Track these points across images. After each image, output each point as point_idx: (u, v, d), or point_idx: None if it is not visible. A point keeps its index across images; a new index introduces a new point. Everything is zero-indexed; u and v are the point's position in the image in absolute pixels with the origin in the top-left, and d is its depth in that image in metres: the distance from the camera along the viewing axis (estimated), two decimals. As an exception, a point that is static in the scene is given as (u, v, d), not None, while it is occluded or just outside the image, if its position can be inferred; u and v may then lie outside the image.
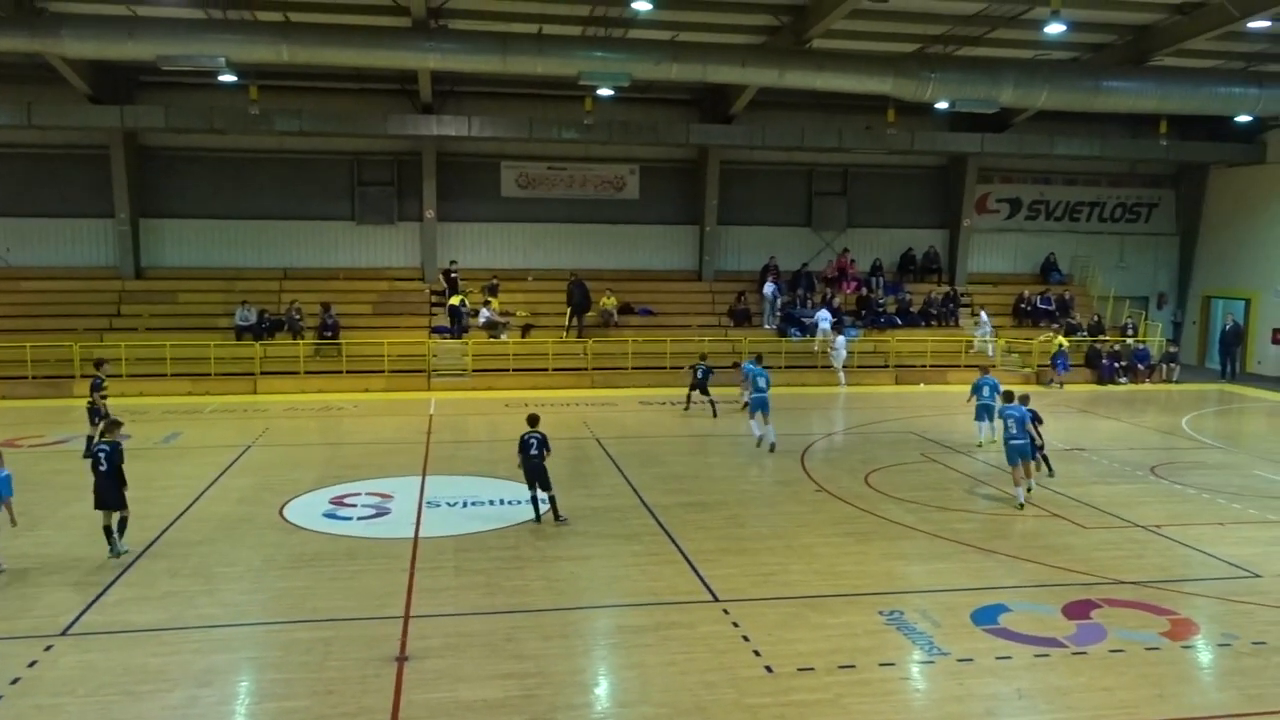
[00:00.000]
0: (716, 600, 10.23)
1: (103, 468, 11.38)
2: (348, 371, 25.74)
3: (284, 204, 29.34)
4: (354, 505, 13.94)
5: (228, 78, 23.87)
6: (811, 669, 8.52)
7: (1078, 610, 9.97)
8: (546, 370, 26.67)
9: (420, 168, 29.24)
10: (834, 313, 29.26)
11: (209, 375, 24.90)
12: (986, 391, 18.19)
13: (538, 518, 12.93)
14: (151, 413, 21.54)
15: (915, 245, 32.74)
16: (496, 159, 30.19)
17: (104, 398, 17.43)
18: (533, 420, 13.14)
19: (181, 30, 20.09)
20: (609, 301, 29.10)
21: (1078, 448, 18.79)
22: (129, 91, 27.16)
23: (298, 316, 26.80)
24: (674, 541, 12.31)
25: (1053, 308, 31.56)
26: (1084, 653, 8.93)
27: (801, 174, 32.10)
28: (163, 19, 20.68)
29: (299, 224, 29.46)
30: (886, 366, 28.58)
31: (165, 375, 24.35)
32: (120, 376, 22.80)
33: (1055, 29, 20.06)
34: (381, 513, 13.58)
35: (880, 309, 30.66)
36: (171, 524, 12.84)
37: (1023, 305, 31.72)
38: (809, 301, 30.59)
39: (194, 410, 22.02)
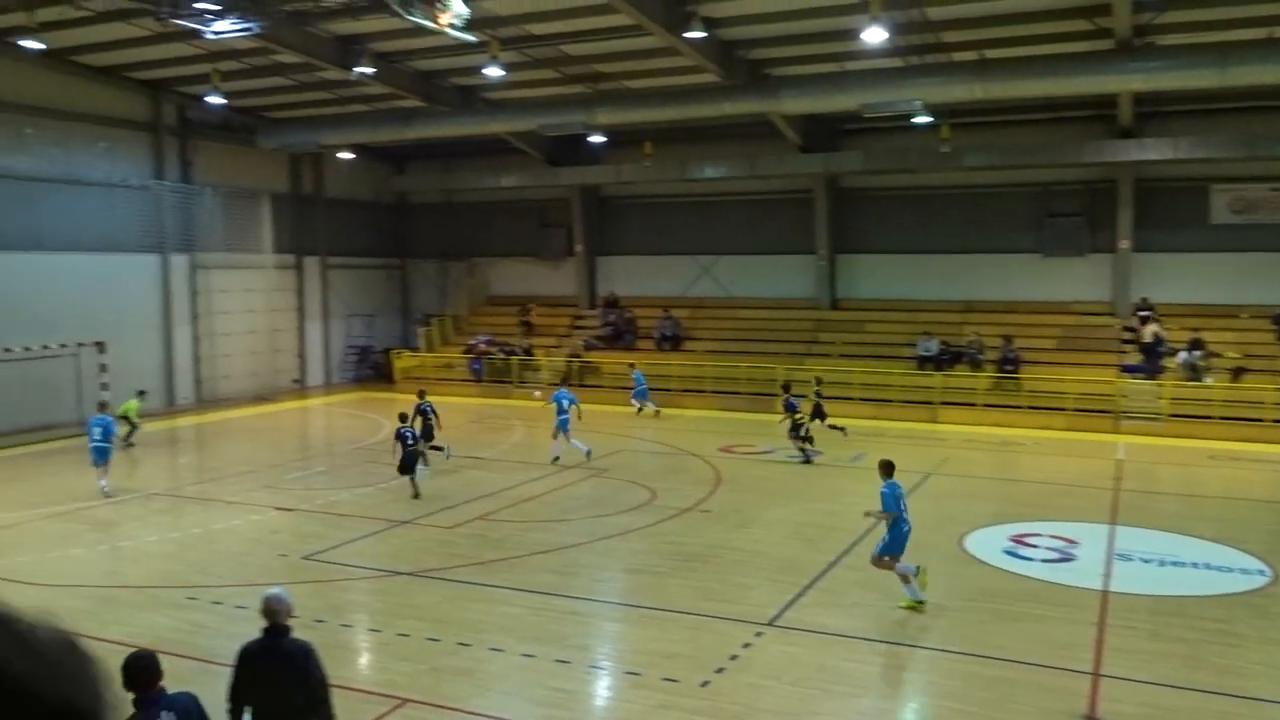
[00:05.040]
0: None
1: None
2: (1028, 407, 25.05)
3: (967, 238, 29.71)
4: (1035, 546, 13.50)
5: (922, 119, 24.96)
6: None
7: None
8: (1261, 421, 23.02)
9: (1115, 196, 27.44)
10: None
11: (891, 402, 26.17)
12: None
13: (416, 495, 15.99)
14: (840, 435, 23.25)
15: None
16: (1204, 182, 27.05)
17: (799, 417, 19.63)
18: (403, 418, 16.58)
19: (883, 79, 21.56)
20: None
21: None
22: (832, 139, 29.85)
23: (978, 349, 26.88)
24: None
25: None
26: None
27: None
28: (866, 71, 22.37)
29: (981, 257, 29.56)
30: None
31: (852, 399, 26.16)
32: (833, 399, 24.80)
33: None
34: (1066, 558, 12.95)
35: None
36: (861, 538, 13.61)
37: None
38: None
39: (877, 434, 23.21)
